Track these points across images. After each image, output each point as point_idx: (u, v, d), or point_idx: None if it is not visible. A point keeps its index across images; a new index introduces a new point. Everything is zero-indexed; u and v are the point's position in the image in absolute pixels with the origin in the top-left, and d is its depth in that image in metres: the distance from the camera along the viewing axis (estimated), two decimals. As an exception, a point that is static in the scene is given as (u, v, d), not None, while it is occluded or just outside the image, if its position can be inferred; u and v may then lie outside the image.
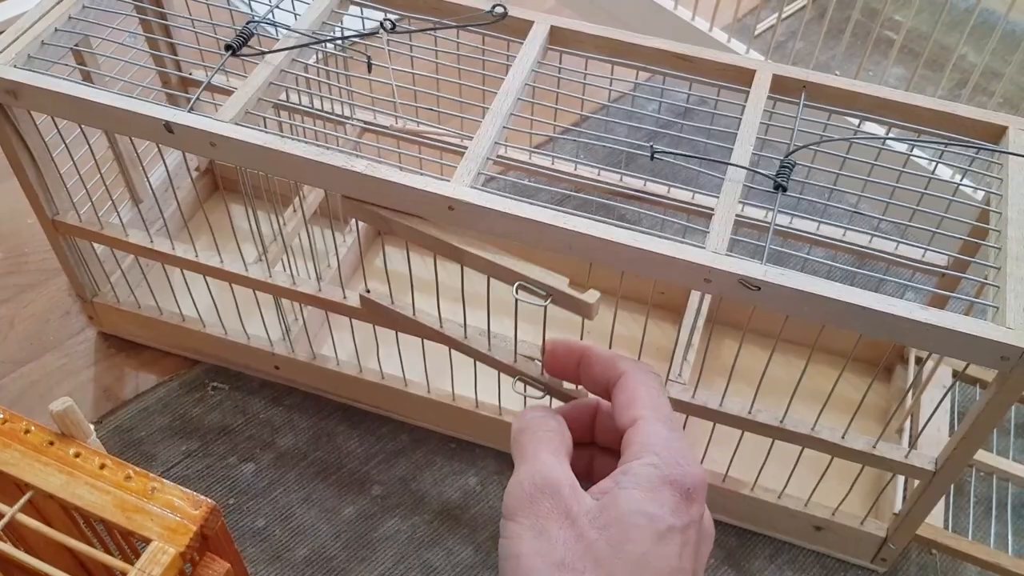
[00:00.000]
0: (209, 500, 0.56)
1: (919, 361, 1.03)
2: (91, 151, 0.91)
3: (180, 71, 1.08)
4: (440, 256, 0.81)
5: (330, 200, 1.10)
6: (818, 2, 1.50)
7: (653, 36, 0.87)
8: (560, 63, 0.89)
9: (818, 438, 0.82)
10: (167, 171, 1.05)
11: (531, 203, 0.75)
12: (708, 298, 1.01)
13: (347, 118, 1.02)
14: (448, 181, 0.75)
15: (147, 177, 1.05)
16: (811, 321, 0.71)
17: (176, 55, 1.03)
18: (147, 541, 0.54)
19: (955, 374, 1.06)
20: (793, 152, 0.78)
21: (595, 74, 0.89)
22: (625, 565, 0.40)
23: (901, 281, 0.82)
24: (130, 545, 0.63)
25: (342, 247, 1.10)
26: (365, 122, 1.02)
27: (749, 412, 0.84)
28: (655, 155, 0.79)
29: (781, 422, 0.83)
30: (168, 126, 0.78)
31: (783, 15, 1.51)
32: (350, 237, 1.12)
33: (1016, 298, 0.70)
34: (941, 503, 0.95)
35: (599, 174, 1.01)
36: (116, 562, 0.52)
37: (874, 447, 0.82)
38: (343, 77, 0.98)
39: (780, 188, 0.76)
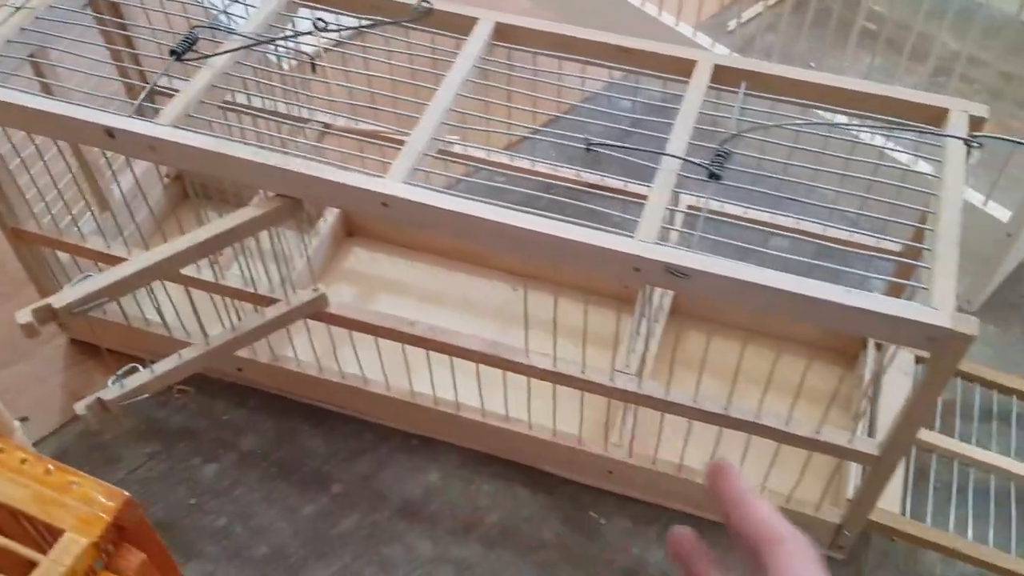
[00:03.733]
0: (125, 492, 0.57)
1: (880, 347, 1.03)
2: (64, 158, 0.92)
3: (127, 78, 1.09)
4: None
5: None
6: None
7: (610, 32, 0.88)
8: (509, 59, 0.90)
9: (762, 425, 0.82)
10: (135, 178, 1.06)
11: (466, 197, 0.75)
12: (665, 292, 1.01)
13: (299, 119, 1.03)
14: (382, 177, 0.76)
15: (118, 184, 1.06)
16: (744, 307, 0.72)
17: (134, 64, 1.05)
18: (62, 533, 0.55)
19: (917, 359, 1.06)
20: (727, 140, 0.78)
21: (566, 73, 0.89)
22: None
23: (858, 272, 0.81)
24: (54, 538, 0.65)
25: (308, 248, 1.11)
26: (301, 120, 1.03)
27: (694, 401, 0.84)
28: (590, 148, 0.79)
29: (725, 410, 0.83)
30: (110, 131, 0.79)
31: (758, 12, 1.52)
32: (316, 240, 1.13)
33: (944, 279, 0.69)
34: (899, 489, 0.95)
35: (557, 171, 1.02)
36: (29, 552, 0.53)
37: (818, 433, 0.82)
38: (288, 79, 0.99)
39: (713, 176, 0.76)
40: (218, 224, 0.77)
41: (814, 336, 1.06)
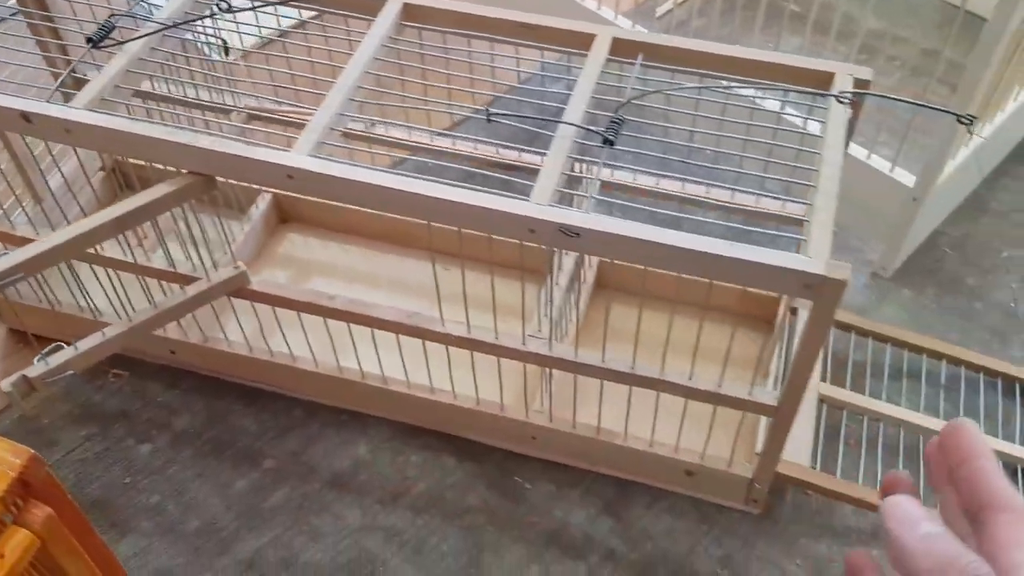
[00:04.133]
0: (30, 450, 0.59)
1: (793, 311, 1.07)
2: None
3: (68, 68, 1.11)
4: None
5: (230, 190, 1.14)
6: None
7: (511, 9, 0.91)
8: (420, 37, 0.93)
9: (666, 381, 0.86)
10: (61, 174, 1.08)
11: (369, 168, 0.78)
12: (587, 261, 1.04)
13: (217, 105, 1.06)
14: (287, 151, 0.79)
15: (43, 177, 1.08)
16: (632, 263, 0.75)
17: (67, 54, 1.07)
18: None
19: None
20: (621, 107, 0.82)
21: (500, 54, 0.92)
22: None
23: (767, 231, 0.83)
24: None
25: (240, 234, 1.14)
26: (218, 105, 1.05)
27: (602, 362, 0.87)
28: (491, 118, 0.82)
29: (631, 369, 0.86)
30: (25, 116, 0.82)
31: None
32: (248, 225, 1.16)
33: (820, 229, 0.73)
34: (809, 445, 0.98)
35: (476, 148, 1.05)
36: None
37: (720, 387, 0.85)
38: (207, 65, 1.01)
39: (607, 142, 0.80)
40: (131, 200, 0.79)
41: (736, 306, 1.10)
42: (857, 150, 1.15)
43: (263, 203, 1.19)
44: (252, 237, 1.16)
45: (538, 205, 0.75)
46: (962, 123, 0.77)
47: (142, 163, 0.94)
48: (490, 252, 0.87)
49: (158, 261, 0.95)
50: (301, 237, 1.22)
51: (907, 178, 1.12)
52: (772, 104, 1.11)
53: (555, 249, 0.96)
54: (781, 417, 0.84)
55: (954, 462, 0.38)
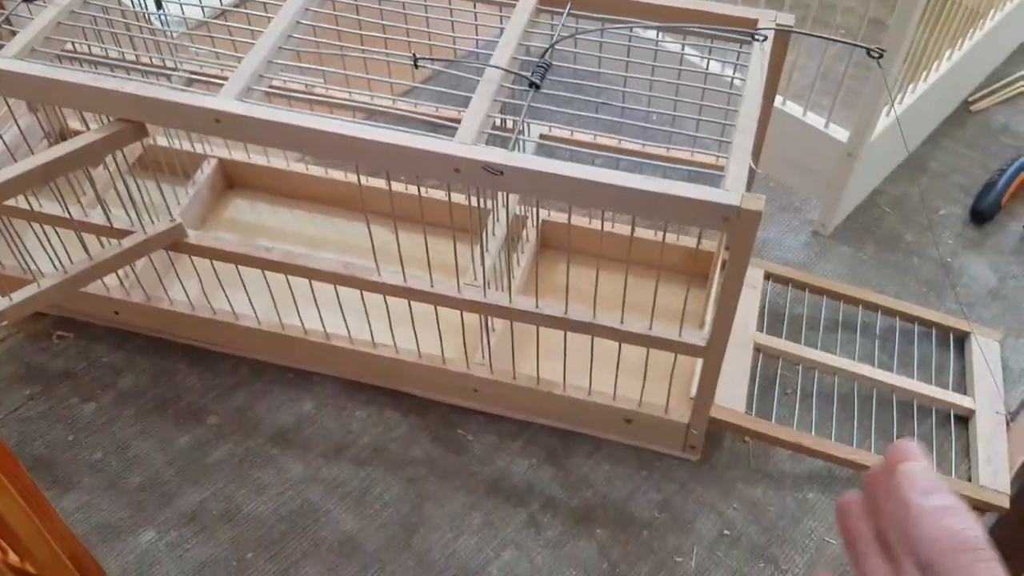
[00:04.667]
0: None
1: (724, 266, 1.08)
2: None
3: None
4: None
5: (175, 157, 1.14)
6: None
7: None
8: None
9: (599, 325, 0.87)
10: (3, 142, 1.08)
11: (293, 111, 0.79)
12: (529, 222, 1.06)
13: (158, 68, 1.06)
14: (214, 96, 0.79)
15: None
16: (556, 201, 0.76)
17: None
18: None
19: (766, 275, 1.12)
20: (546, 52, 0.83)
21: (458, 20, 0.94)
22: None
23: (685, 168, 0.85)
24: None
25: (184, 199, 1.14)
26: (139, 64, 1.05)
27: (536, 307, 0.89)
28: (417, 64, 0.83)
29: (564, 314, 0.88)
30: (-48, 66, 0.82)
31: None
32: (192, 189, 1.16)
33: (736, 165, 0.75)
34: (744, 391, 1.00)
35: (394, 103, 1.06)
36: None
37: (650, 329, 0.87)
38: (141, 23, 1.02)
39: (533, 86, 0.81)
40: (60, 147, 0.80)
41: (672, 262, 1.12)
42: (793, 107, 1.17)
43: (208, 167, 1.20)
44: (197, 201, 1.17)
45: (462, 144, 0.76)
46: (871, 56, 0.79)
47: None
48: (421, 212, 0.89)
49: (96, 217, 0.95)
50: (247, 203, 1.23)
51: (841, 134, 1.14)
52: (696, 54, 1.13)
53: (488, 200, 0.97)
54: (710, 357, 0.86)
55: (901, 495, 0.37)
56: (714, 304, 1.01)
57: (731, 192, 0.72)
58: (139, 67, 0.98)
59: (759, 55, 0.84)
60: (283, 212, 1.22)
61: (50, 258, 0.93)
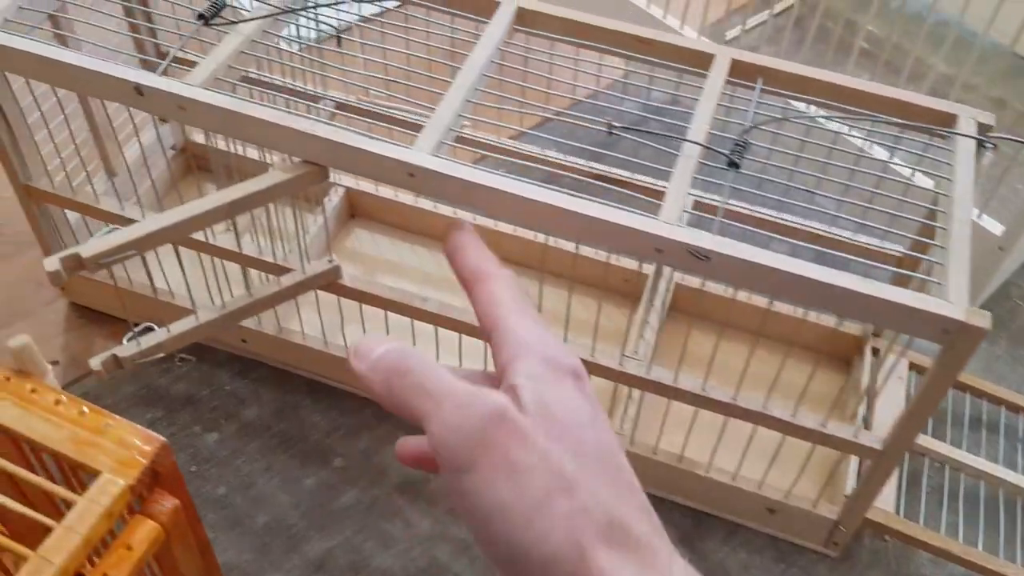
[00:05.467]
0: (160, 436, 0.57)
1: (875, 353, 1.05)
2: (66, 120, 0.92)
3: (156, 39, 1.09)
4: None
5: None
6: (784, 12, 1.53)
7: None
8: (527, 43, 0.91)
9: (770, 415, 0.84)
10: (141, 147, 1.06)
11: (488, 171, 0.76)
12: (666, 282, 1.03)
13: (319, 94, 1.03)
14: (409, 148, 0.77)
15: (121, 151, 1.06)
16: (761, 294, 0.73)
17: (151, 23, 1.05)
18: (98, 475, 0.55)
19: (911, 366, 1.08)
20: (747, 131, 0.80)
21: (566, 55, 0.91)
22: (594, 463, 0.36)
23: (862, 261, 0.83)
24: (80, 484, 0.64)
25: (312, 226, 1.12)
26: (316, 97, 1.03)
27: (703, 389, 0.85)
28: (612, 131, 0.80)
29: (734, 399, 0.85)
30: (138, 88, 0.80)
31: (750, 24, 1.54)
32: (320, 218, 1.14)
33: (958, 274, 0.71)
34: (894, 490, 0.96)
35: (566, 159, 1.03)
36: (64, 492, 0.53)
37: (824, 426, 0.83)
38: (314, 53, 0.99)
39: (733, 165, 0.78)
40: (244, 186, 0.77)
41: (808, 340, 1.08)
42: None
43: (336, 196, 1.17)
44: (323, 230, 1.14)
45: (668, 224, 0.73)
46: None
47: (224, 148, 0.92)
48: (573, 267, 0.86)
49: (249, 248, 0.93)
50: (368, 233, 1.20)
51: (995, 226, 1.11)
52: (882, 148, 1.09)
53: (657, 271, 0.94)
54: (884, 462, 0.82)
55: (451, 258, 0.42)
56: (864, 395, 0.98)
57: (955, 305, 0.69)
58: (298, 91, 0.95)
59: (968, 156, 0.81)
60: (404, 248, 1.19)
61: (184, 279, 0.90)
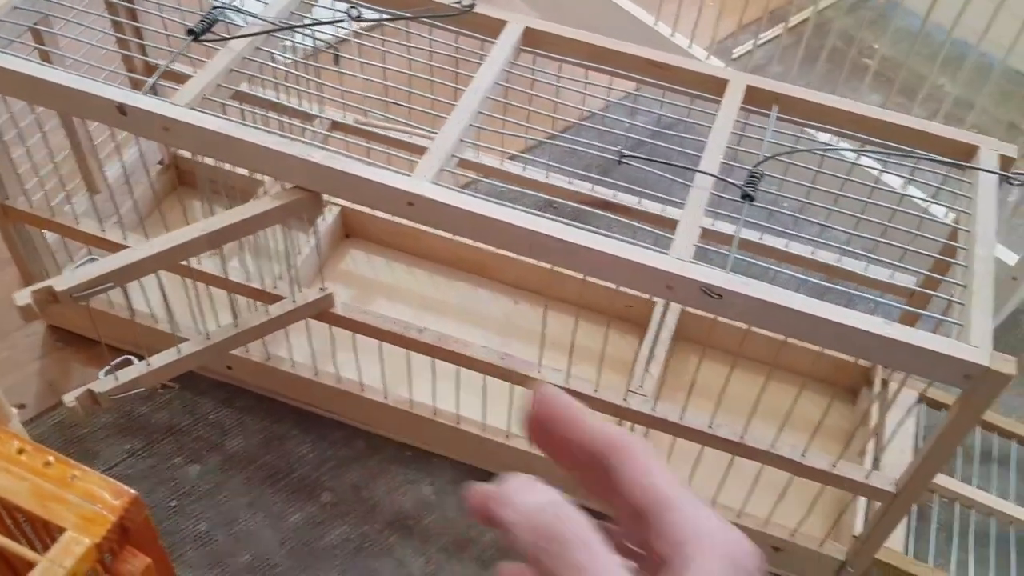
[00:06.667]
0: (131, 490, 0.53)
1: (885, 384, 1.02)
2: (44, 137, 0.88)
3: (145, 55, 1.05)
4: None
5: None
6: (794, 29, 1.50)
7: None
8: (534, 64, 0.87)
9: (778, 455, 0.81)
10: (122, 165, 1.01)
11: (493, 201, 0.73)
12: (673, 311, 0.99)
13: (313, 114, 1.00)
14: (409, 176, 0.73)
15: (102, 168, 1.01)
16: (774, 333, 0.70)
17: (141, 39, 1.01)
18: (62, 532, 0.51)
19: (920, 398, 1.05)
20: (762, 162, 0.77)
21: (571, 77, 0.87)
22: None
23: (871, 296, 0.80)
24: (51, 536, 0.60)
25: (305, 247, 1.08)
26: (311, 115, 1.00)
27: (710, 427, 0.82)
28: (623, 159, 0.77)
29: (741, 438, 0.81)
30: (121, 108, 0.75)
31: (761, 40, 1.51)
32: (313, 239, 1.10)
33: (981, 316, 0.68)
34: (902, 528, 0.93)
35: (571, 183, 0.99)
36: (26, 552, 0.49)
37: (834, 466, 0.80)
38: (310, 70, 0.95)
39: (747, 197, 0.75)
40: (232, 214, 0.73)
41: (812, 367, 1.05)
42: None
43: (330, 216, 1.13)
44: (316, 251, 1.10)
45: (679, 261, 0.70)
46: None
47: (212, 164, 0.88)
48: (580, 295, 0.82)
49: (235, 274, 0.89)
50: (364, 254, 1.16)
51: (1009, 256, 1.08)
52: (898, 178, 1.06)
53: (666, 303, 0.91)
54: (898, 505, 0.79)
55: (562, 430, 0.34)
56: (873, 432, 0.95)
57: (980, 348, 0.66)
58: (289, 109, 0.92)
59: (990, 190, 0.77)
60: (400, 270, 1.15)
61: (165, 303, 0.86)
